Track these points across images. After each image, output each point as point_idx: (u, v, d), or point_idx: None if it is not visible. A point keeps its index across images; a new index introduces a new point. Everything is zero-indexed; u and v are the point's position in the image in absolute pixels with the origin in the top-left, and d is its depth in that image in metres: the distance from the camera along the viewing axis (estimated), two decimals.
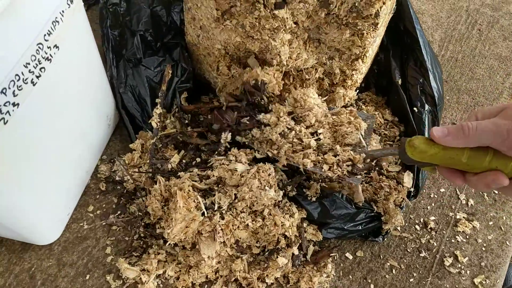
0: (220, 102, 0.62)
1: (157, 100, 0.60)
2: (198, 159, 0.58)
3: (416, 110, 0.61)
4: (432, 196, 0.65)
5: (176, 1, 0.64)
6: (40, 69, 0.40)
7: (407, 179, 0.58)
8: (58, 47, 0.42)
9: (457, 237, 0.60)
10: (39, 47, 0.39)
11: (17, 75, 0.37)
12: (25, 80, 0.38)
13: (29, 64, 0.38)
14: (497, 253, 0.59)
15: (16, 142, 0.40)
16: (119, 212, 0.58)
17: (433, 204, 0.64)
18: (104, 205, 0.59)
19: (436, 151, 0.40)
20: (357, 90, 0.64)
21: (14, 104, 0.37)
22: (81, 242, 0.56)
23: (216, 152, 0.57)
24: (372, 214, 0.55)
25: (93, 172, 0.62)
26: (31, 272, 0.54)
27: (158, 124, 0.59)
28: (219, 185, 0.54)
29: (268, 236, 0.52)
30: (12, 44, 0.36)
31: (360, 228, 0.55)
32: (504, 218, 0.63)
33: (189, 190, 0.52)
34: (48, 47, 0.40)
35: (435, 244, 0.59)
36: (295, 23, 0.53)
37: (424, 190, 0.65)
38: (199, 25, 0.57)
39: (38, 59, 0.39)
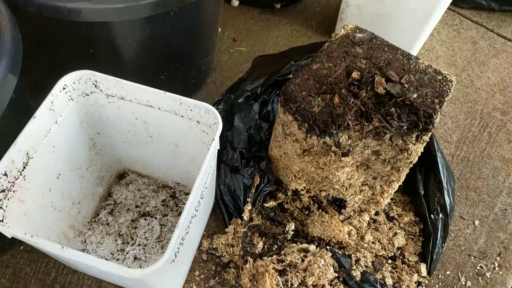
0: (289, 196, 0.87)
1: (248, 200, 0.84)
2: (275, 246, 0.82)
3: (433, 217, 0.84)
4: (440, 277, 0.88)
5: (265, 122, 0.88)
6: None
7: (423, 269, 0.82)
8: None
9: None
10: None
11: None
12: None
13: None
14: None
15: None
16: (217, 277, 0.83)
17: (440, 284, 0.87)
18: (206, 271, 0.84)
19: None
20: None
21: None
22: None
23: (286, 238, 0.81)
24: None
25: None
26: None
27: (248, 217, 0.83)
28: (291, 267, 0.79)
29: None
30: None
31: None
32: None
33: (272, 273, 0.76)
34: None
35: None
36: (356, 161, 0.76)
37: (434, 272, 0.88)
38: (284, 151, 0.80)
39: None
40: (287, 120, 0.73)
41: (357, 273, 0.79)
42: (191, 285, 0.82)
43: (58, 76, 0.67)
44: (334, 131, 0.68)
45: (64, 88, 0.68)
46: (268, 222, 0.84)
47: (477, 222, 0.95)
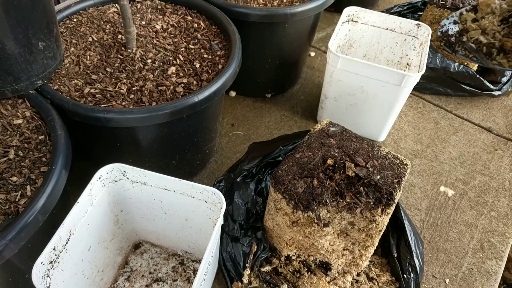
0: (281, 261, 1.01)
1: (247, 265, 0.98)
2: None
3: (406, 277, 0.98)
4: None
5: (260, 197, 1.06)
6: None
7: None
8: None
9: None
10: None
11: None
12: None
13: None
14: None
15: None
16: None
17: None
18: None
19: None
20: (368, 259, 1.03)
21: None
22: None
23: None
24: None
25: None
26: None
27: (247, 280, 0.97)
28: None
29: None
30: None
31: None
32: None
33: None
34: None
35: None
36: (335, 231, 0.92)
37: None
38: (276, 223, 0.97)
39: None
40: (278, 198, 0.91)
41: None
42: None
43: (92, 165, 0.85)
44: (315, 207, 0.85)
45: (99, 178, 0.86)
46: (264, 285, 0.98)
47: (447, 281, 1.08)
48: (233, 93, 1.53)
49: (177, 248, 1.08)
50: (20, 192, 0.74)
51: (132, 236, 1.07)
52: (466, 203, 1.26)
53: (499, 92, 1.53)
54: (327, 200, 0.86)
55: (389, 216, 0.89)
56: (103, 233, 0.93)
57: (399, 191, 0.88)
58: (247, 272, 0.98)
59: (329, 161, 0.90)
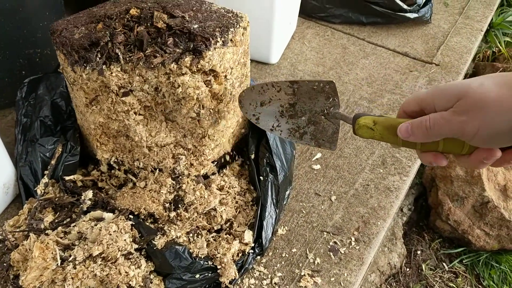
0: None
1: (45, 172, 0.72)
2: (68, 219, 0.68)
3: (262, 179, 0.73)
4: (284, 255, 0.73)
5: None
6: None
7: (247, 236, 0.68)
8: None
9: None
10: None
11: None
12: None
13: None
14: None
15: None
16: None
17: (283, 262, 0.72)
18: None
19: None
20: (215, 162, 0.77)
21: None
22: None
23: (82, 209, 0.68)
24: (207, 266, 0.63)
25: None
26: None
27: (43, 191, 0.71)
28: (80, 240, 0.64)
29: (112, 284, 0.61)
30: None
31: (198, 278, 0.63)
32: (345, 274, 0.71)
33: (47, 243, 0.62)
34: None
35: None
36: (146, 106, 0.68)
37: (278, 250, 0.73)
38: (79, 110, 0.72)
39: None
40: (61, 61, 0.67)
41: (159, 242, 0.64)
42: None
43: None
44: (94, 56, 0.62)
45: None
46: (65, 195, 0.71)
47: (333, 198, 0.83)
48: None
49: None
50: None
51: None
52: None
53: (416, 15, 1.34)
54: (118, 52, 0.62)
55: (203, 76, 0.65)
56: None
57: (221, 40, 0.65)
58: (44, 180, 0.72)
59: (133, 11, 0.68)
